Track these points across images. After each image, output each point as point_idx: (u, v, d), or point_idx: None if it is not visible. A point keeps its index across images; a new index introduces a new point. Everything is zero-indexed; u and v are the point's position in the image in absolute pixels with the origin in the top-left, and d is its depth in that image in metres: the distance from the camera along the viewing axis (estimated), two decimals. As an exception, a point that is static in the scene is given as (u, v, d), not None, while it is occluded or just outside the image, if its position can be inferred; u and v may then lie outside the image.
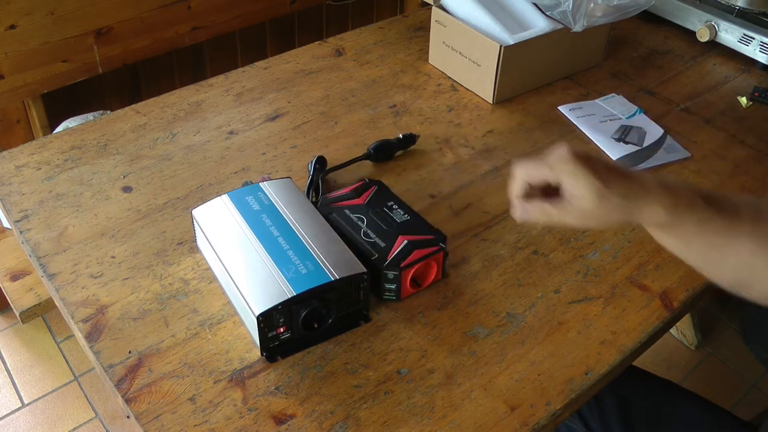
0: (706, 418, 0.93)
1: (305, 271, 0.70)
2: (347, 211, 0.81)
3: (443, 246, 0.77)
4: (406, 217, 0.80)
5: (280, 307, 0.67)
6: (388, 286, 0.75)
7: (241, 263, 0.72)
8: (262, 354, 0.70)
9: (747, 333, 1.40)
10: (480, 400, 0.68)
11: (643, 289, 0.80)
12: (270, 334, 0.69)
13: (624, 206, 0.61)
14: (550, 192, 0.64)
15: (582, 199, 0.61)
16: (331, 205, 0.82)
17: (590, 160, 0.61)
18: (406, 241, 0.76)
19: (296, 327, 0.69)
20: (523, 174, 0.64)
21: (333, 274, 0.69)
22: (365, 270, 0.71)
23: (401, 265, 0.74)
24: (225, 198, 0.79)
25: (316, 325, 0.70)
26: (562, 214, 0.63)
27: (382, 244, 0.76)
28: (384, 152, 0.97)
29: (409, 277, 0.75)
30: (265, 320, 0.67)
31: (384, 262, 0.74)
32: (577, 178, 0.60)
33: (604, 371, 0.72)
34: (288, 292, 0.67)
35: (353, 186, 0.85)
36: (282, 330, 0.69)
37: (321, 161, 0.93)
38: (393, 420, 0.66)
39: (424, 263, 0.76)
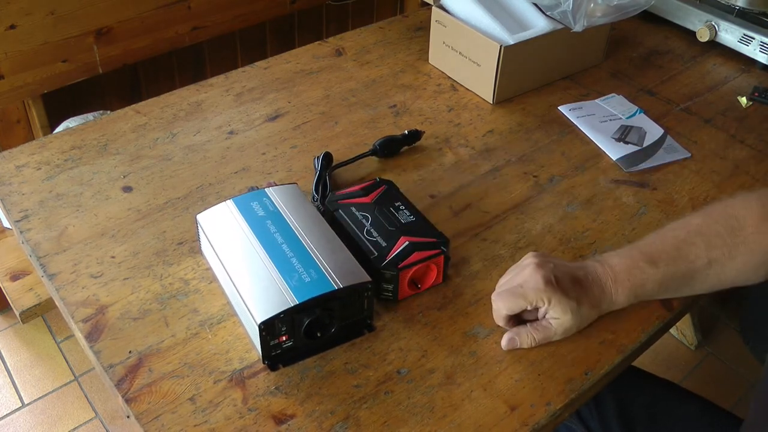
0: (706, 418, 0.93)
1: (308, 279, 0.69)
2: (353, 209, 0.81)
3: (444, 249, 0.77)
4: (411, 218, 0.80)
5: (282, 315, 0.66)
6: (385, 285, 0.75)
7: (244, 270, 0.71)
8: (264, 362, 0.70)
9: (747, 333, 1.40)
10: (480, 400, 0.68)
11: (643, 289, 0.80)
12: (272, 343, 0.68)
13: (595, 312, 0.72)
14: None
15: (561, 320, 0.70)
16: (338, 202, 0.82)
17: (558, 278, 0.69)
18: (407, 242, 0.76)
19: (299, 336, 0.69)
20: (503, 308, 0.71)
21: (337, 283, 0.69)
22: (370, 279, 0.70)
23: (399, 265, 0.74)
24: (230, 203, 0.78)
25: (318, 334, 0.70)
26: (547, 336, 0.72)
27: (384, 244, 0.76)
28: (389, 148, 0.97)
29: (408, 279, 0.75)
30: (267, 328, 0.67)
31: (382, 261, 0.74)
32: (553, 303, 0.69)
33: (603, 371, 0.72)
34: (291, 300, 0.67)
35: (363, 184, 0.85)
36: (284, 338, 0.69)
37: (327, 157, 0.93)
38: (393, 420, 0.66)
39: (423, 265, 0.76)
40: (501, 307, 0.71)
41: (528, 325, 0.72)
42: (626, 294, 0.72)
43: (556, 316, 0.70)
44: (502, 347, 0.72)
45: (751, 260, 0.72)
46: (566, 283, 0.70)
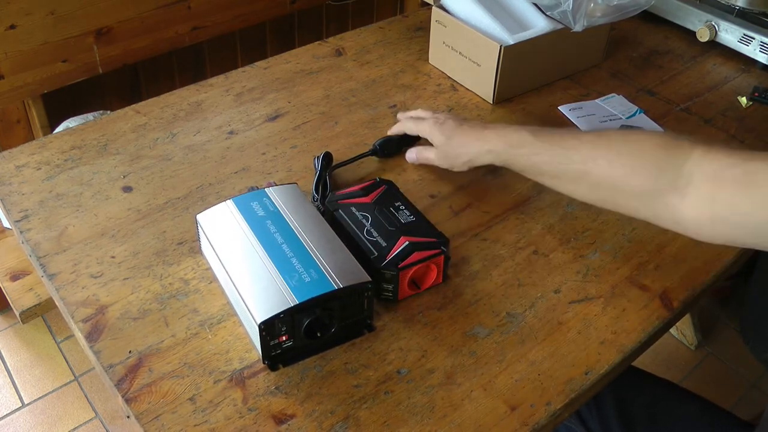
0: (706, 418, 0.93)
1: (308, 279, 0.69)
2: (353, 209, 0.81)
3: (444, 249, 0.77)
4: (412, 218, 0.80)
5: (282, 315, 0.66)
6: (385, 285, 0.75)
7: (244, 270, 0.71)
8: (264, 362, 0.70)
9: (747, 333, 1.40)
10: (480, 400, 0.68)
11: (643, 289, 0.80)
12: (272, 343, 0.68)
13: (465, 152, 0.86)
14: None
15: (435, 144, 0.90)
16: (338, 202, 0.82)
17: (446, 121, 0.89)
18: (407, 242, 0.76)
19: (299, 335, 0.69)
20: (406, 125, 0.95)
21: (337, 283, 0.69)
22: (370, 279, 0.70)
23: (399, 265, 0.74)
24: (230, 203, 0.78)
25: (318, 334, 0.70)
26: (429, 155, 0.91)
27: (384, 244, 0.76)
28: (389, 148, 0.97)
29: (408, 279, 0.75)
30: (267, 328, 0.67)
31: (382, 261, 0.74)
32: (433, 134, 0.90)
33: (604, 371, 0.72)
34: (291, 300, 0.67)
35: (363, 184, 0.85)
36: (284, 338, 0.69)
37: (327, 157, 0.93)
38: (393, 420, 0.66)
39: (423, 266, 0.76)
40: (406, 125, 0.95)
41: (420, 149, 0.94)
42: (498, 145, 0.82)
43: (435, 143, 0.90)
44: (407, 158, 0.95)
45: (628, 182, 0.72)
46: (450, 123, 0.88)
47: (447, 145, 0.87)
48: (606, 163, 0.73)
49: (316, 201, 0.86)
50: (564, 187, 0.79)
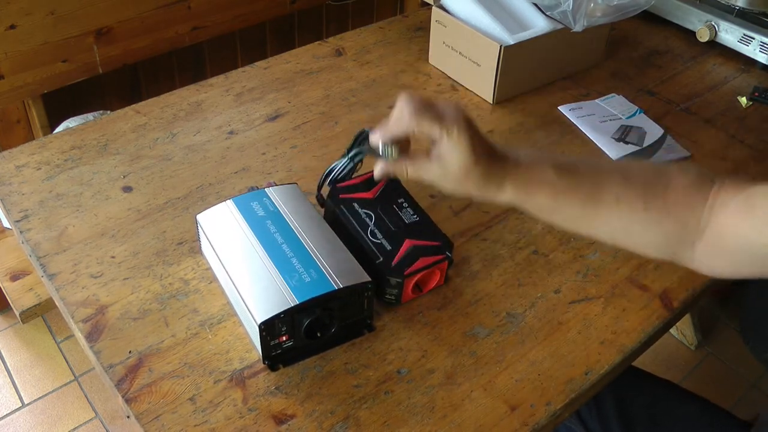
0: (706, 418, 0.93)
1: (309, 280, 0.69)
2: (356, 206, 0.80)
3: (449, 255, 0.77)
4: (415, 218, 0.80)
5: (282, 315, 0.66)
6: (389, 290, 0.75)
7: (245, 270, 0.71)
8: (264, 362, 0.70)
9: (747, 332, 1.40)
10: (480, 400, 0.68)
11: (643, 289, 0.80)
12: (272, 343, 0.68)
13: (480, 185, 0.65)
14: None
15: (449, 160, 0.64)
16: (340, 197, 0.81)
17: (476, 131, 0.64)
18: (411, 246, 0.75)
19: (299, 336, 0.69)
20: (409, 106, 0.63)
21: (337, 283, 0.69)
22: (370, 279, 0.70)
23: (405, 272, 0.74)
24: (230, 203, 0.78)
25: (319, 334, 0.70)
26: (420, 172, 0.66)
27: (388, 247, 0.76)
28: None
29: (412, 284, 0.75)
30: (267, 328, 0.67)
31: (388, 266, 0.74)
32: (458, 143, 0.62)
33: (604, 371, 0.72)
34: (291, 300, 0.67)
35: (364, 177, 0.83)
36: (284, 338, 0.69)
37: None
38: (393, 420, 0.66)
39: (428, 271, 0.76)
40: (409, 103, 0.62)
41: (406, 159, 0.67)
42: (517, 186, 0.65)
43: (447, 154, 0.63)
44: (375, 177, 0.70)
45: (660, 227, 0.64)
46: (480, 139, 0.64)
47: (464, 169, 0.64)
48: (640, 210, 0.64)
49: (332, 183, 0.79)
50: (584, 225, 0.68)
